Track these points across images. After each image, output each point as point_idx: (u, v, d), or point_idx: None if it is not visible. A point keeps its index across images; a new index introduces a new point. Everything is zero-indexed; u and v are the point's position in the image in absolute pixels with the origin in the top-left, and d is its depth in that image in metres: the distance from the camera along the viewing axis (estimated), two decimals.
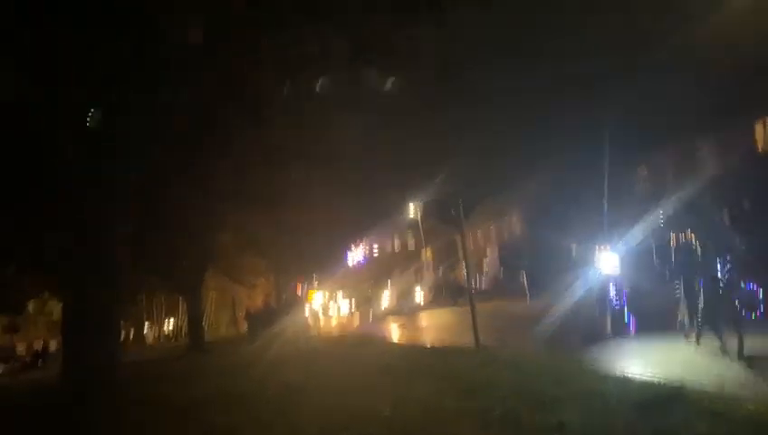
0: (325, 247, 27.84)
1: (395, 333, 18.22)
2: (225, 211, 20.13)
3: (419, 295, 29.72)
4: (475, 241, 48.88)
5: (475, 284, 31.57)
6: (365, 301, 31.76)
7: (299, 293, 27.37)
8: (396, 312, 27.31)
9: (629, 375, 5.55)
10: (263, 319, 20.34)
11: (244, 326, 34.13)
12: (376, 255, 55.47)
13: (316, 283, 42.64)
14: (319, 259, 31.15)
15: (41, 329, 50.49)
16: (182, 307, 41.57)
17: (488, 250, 44.18)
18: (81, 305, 6.08)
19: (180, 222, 17.63)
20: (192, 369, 14.11)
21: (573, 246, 37.22)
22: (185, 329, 43.83)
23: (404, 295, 29.20)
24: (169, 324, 57.14)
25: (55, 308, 46.27)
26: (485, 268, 43.23)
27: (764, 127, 20.60)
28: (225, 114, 11.69)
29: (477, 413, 4.64)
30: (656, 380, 5.14)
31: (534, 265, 23.65)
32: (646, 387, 4.80)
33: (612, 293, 9.53)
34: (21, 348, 49.50)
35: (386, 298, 29.66)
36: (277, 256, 27.77)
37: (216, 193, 17.53)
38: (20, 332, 49.60)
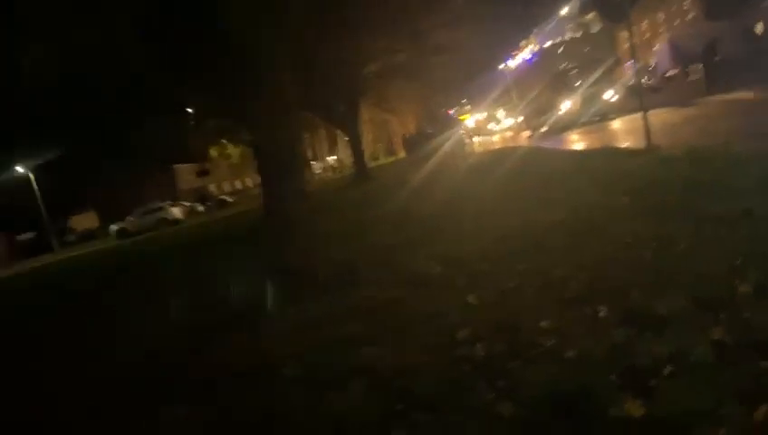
0: (478, 63, 26.60)
1: (567, 143, 17.10)
2: (371, 41, 20.14)
3: (610, 97, 24.39)
4: (641, 34, 43.68)
5: (645, 81, 28.03)
6: (536, 112, 28.49)
7: (451, 115, 27.37)
8: (577, 121, 23.78)
9: None
10: (419, 143, 21.06)
11: (401, 153, 35.47)
12: (547, 46, 50.22)
13: (468, 106, 42.03)
14: (471, 77, 29.97)
15: (224, 171, 57.38)
16: (341, 143, 44.03)
17: (656, 44, 39.52)
18: (270, 147, 6.85)
19: (332, 57, 18.06)
20: (363, 194, 15.46)
21: None
22: (345, 161, 46.81)
23: (590, 101, 24.31)
24: (332, 158, 61.52)
25: (233, 152, 51.71)
26: (653, 64, 38.93)
27: None
28: None
29: (654, 208, 4.62)
30: None
31: (714, 54, 20.75)
32: None
33: None
34: (212, 188, 57.06)
35: (566, 106, 25.16)
36: (424, 80, 27.50)
37: (361, 24, 17.48)
38: (209, 175, 56.96)
